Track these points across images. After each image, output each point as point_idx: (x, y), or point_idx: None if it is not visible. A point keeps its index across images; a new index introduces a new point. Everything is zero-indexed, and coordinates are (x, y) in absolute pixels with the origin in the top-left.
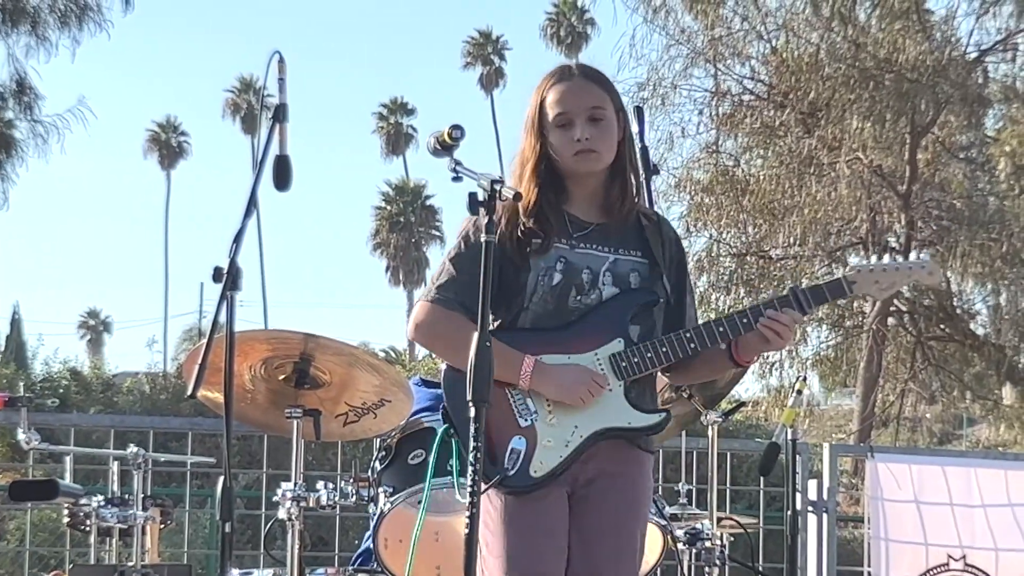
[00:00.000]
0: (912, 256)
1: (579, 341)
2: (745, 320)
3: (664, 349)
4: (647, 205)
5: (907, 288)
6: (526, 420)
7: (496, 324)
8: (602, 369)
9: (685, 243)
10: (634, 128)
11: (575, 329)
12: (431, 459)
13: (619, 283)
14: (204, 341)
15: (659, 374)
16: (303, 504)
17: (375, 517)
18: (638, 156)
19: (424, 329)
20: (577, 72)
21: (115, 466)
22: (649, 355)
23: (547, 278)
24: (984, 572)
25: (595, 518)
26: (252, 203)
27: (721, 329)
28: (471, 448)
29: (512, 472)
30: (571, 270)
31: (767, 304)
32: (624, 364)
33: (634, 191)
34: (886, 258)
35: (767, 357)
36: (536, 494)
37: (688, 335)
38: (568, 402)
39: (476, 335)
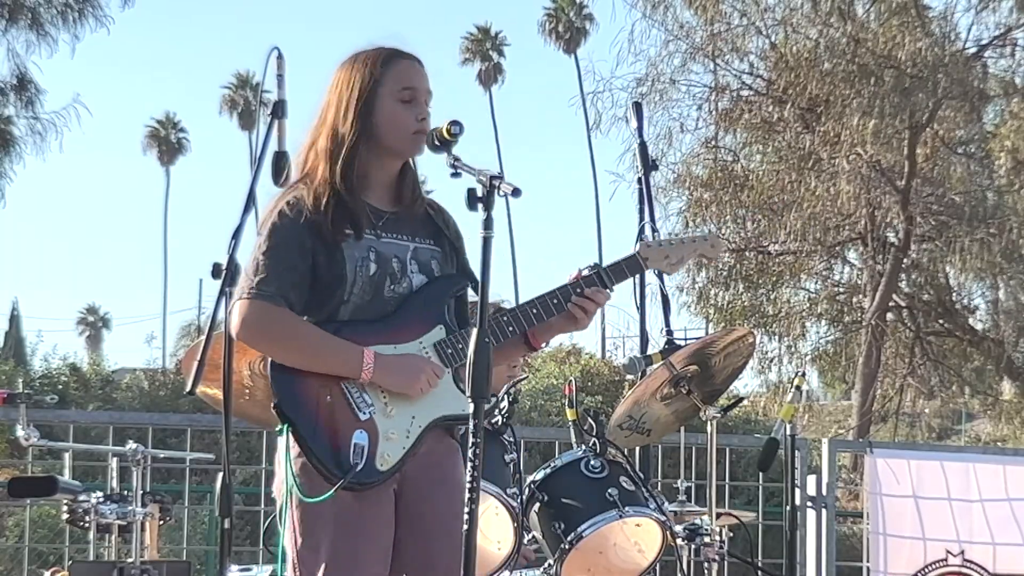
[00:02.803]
0: (698, 231)
1: (402, 331)
2: (556, 301)
3: None
4: (645, 201)
5: (906, 283)
6: (364, 413)
7: (314, 319)
8: (429, 357)
9: None
10: (633, 124)
11: (395, 319)
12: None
13: (424, 271)
14: (203, 337)
15: None
16: None
17: None
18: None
19: (253, 328)
20: (414, 56)
21: (114, 462)
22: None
23: (364, 268)
24: (982, 567)
25: (427, 509)
26: (251, 199)
27: (535, 311)
28: (470, 444)
29: (359, 467)
30: (382, 259)
31: (574, 285)
32: (450, 351)
33: (419, 183)
34: (669, 233)
35: (766, 353)
36: (368, 493)
37: (506, 319)
38: (410, 393)
39: (475, 331)
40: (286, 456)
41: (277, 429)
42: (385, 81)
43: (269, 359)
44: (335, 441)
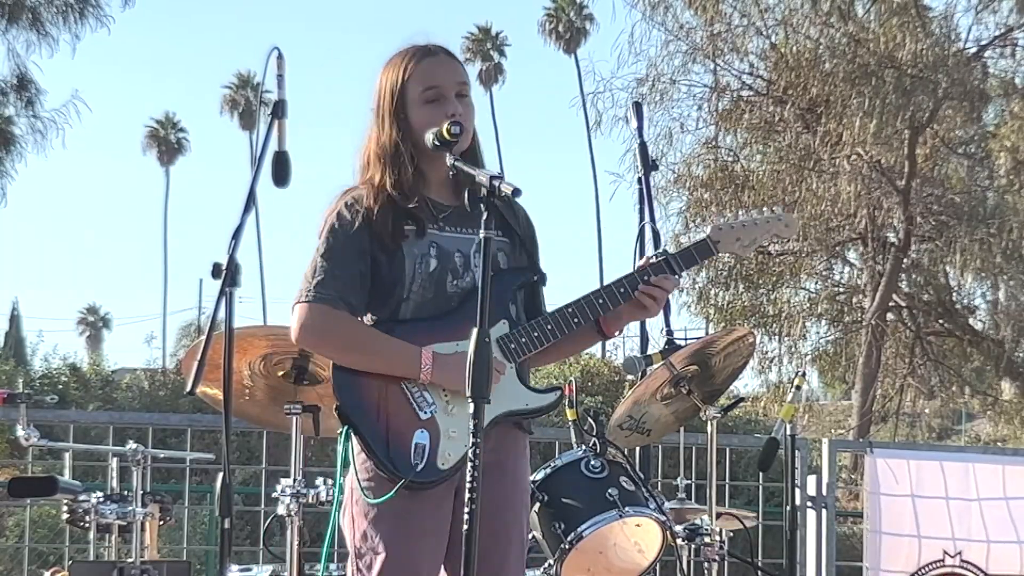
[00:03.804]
0: (767, 211)
1: (465, 327)
2: (623, 290)
3: (549, 327)
4: (645, 201)
5: (906, 283)
6: (426, 412)
7: (375, 318)
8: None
9: (684, 239)
10: (633, 124)
11: (458, 315)
12: (339, 461)
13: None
14: (203, 337)
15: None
16: (302, 500)
17: None
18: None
19: (313, 332)
20: (440, 50)
21: (114, 462)
22: (536, 334)
23: (423, 265)
24: (979, 568)
25: (484, 505)
26: (251, 199)
27: (601, 301)
28: (470, 444)
29: (420, 467)
30: (444, 254)
31: (642, 272)
32: (513, 346)
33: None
34: (743, 214)
35: (766, 353)
36: (427, 491)
37: (571, 310)
38: None
39: (475, 331)
40: (350, 457)
41: (339, 432)
42: (411, 85)
43: (332, 364)
44: (397, 442)
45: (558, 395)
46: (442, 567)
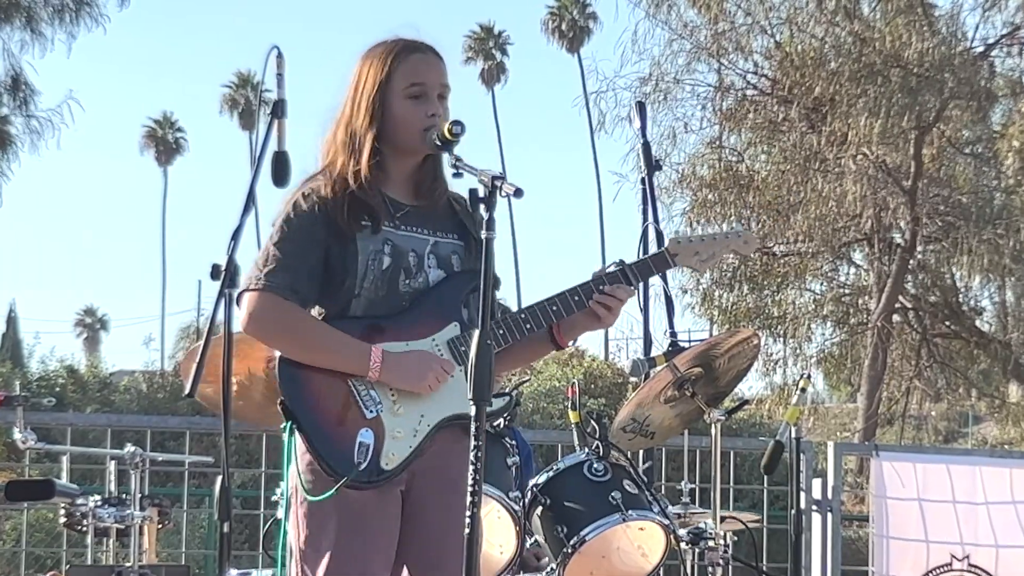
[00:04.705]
0: (726, 227)
1: (415, 327)
2: (577, 298)
3: (501, 331)
4: (649, 202)
5: (912, 285)
6: (371, 412)
7: (324, 312)
8: (442, 355)
9: None
10: (636, 124)
11: (410, 315)
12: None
13: (443, 266)
14: (202, 341)
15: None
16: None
17: None
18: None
19: (262, 321)
20: (429, 48)
21: (112, 465)
22: None
23: (376, 262)
24: (987, 572)
25: (431, 513)
26: (250, 199)
27: (555, 308)
28: (471, 447)
29: (363, 466)
30: (398, 253)
31: (597, 281)
32: (463, 348)
33: (444, 175)
34: (705, 230)
35: (771, 355)
36: (373, 492)
37: (523, 316)
38: (417, 390)
39: (477, 332)
40: (292, 454)
41: (282, 427)
42: (395, 78)
43: (278, 358)
44: (340, 440)
45: (506, 401)
46: (404, 568)
